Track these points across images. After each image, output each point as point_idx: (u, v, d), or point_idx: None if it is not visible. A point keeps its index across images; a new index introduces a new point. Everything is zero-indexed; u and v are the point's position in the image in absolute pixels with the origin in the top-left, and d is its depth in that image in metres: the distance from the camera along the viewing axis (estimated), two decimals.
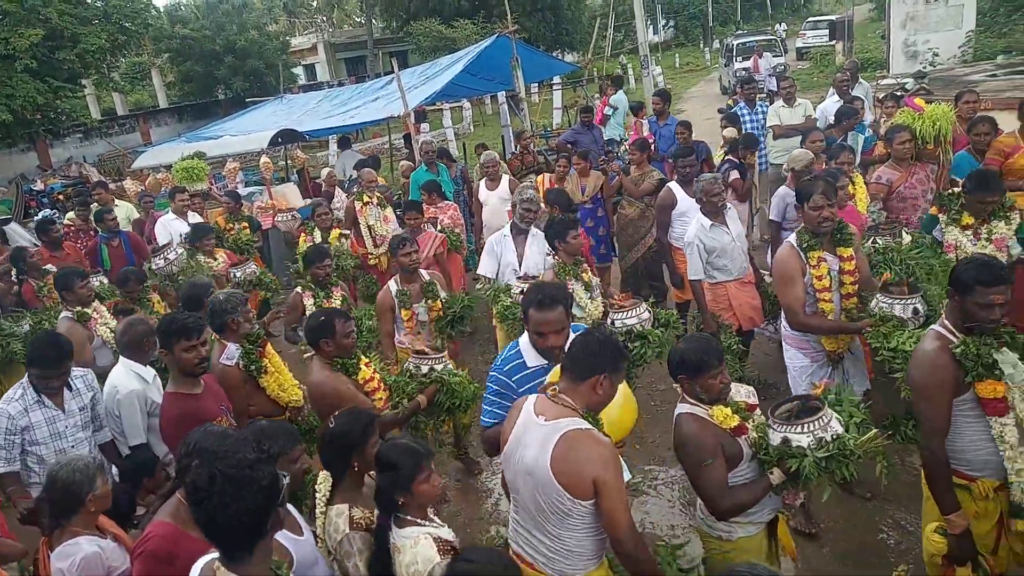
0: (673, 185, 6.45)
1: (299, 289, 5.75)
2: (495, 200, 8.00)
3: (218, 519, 1.95)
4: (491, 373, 3.39)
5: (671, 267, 6.49)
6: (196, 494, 1.98)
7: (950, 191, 4.96)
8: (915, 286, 4.07)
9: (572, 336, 3.15)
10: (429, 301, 5.32)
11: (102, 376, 4.43)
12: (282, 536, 2.60)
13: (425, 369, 4.24)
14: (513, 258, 5.76)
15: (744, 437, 3.00)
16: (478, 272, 5.92)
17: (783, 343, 4.61)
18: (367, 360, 4.19)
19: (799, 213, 4.30)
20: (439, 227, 7.28)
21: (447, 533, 2.73)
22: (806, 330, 4.27)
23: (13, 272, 6.82)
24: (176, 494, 2.79)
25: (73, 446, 3.97)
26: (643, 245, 7.37)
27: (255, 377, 4.11)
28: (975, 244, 4.64)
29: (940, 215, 4.86)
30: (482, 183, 8.30)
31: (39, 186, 19.68)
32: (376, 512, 2.78)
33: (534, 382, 3.22)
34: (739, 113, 9.13)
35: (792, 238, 4.25)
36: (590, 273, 4.88)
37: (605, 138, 11.18)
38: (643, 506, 4.96)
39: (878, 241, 4.84)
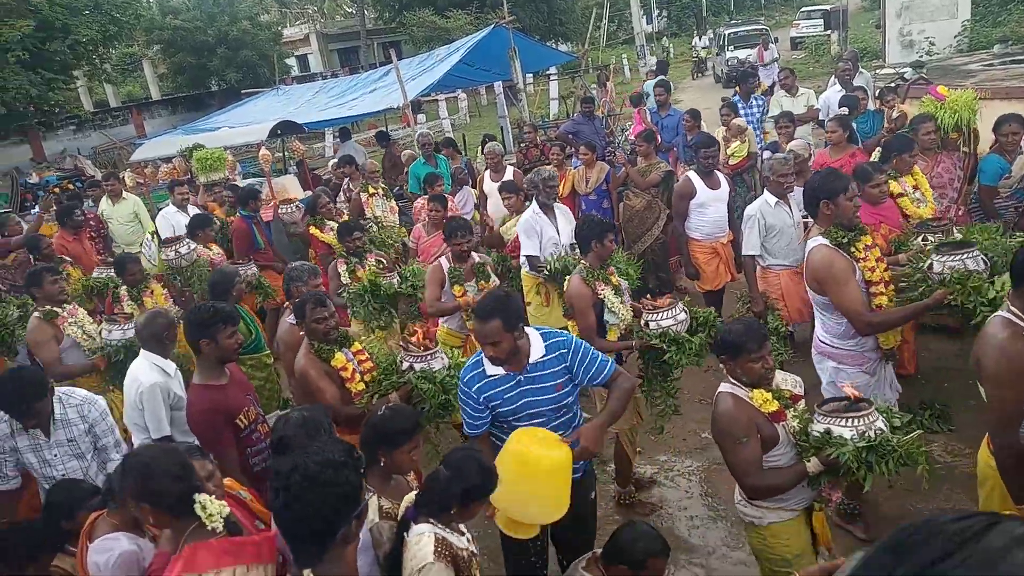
0: (692, 175, 6.40)
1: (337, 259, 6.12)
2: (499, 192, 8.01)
3: (287, 512, 1.95)
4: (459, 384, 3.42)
5: (686, 258, 6.47)
6: (275, 480, 1.98)
7: None
8: (965, 242, 3.97)
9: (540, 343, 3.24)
10: (481, 281, 5.46)
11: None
12: None
13: (405, 366, 4.14)
14: (553, 232, 5.97)
15: (782, 424, 3.05)
16: (524, 253, 5.96)
17: (832, 364, 4.15)
18: (360, 347, 4.21)
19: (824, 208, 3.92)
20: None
21: (462, 541, 2.71)
22: (878, 330, 3.90)
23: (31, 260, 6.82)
24: None
25: (64, 474, 3.82)
26: (649, 236, 7.39)
27: None
28: None
29: None
30: (486, 174, 8.33)
31: (34, 179, 19.55)
32: (404, 505, 2.77)
33: (495, 390, 3.28)
34: (737, 104, 9.15)
35: (822, 240, 3.90)
36: (618, 277, 4.69)
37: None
38: (661, 497, 5.01)
39: (928, 239, 4.57)
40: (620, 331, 4.50)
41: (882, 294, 3.93)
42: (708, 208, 6.27)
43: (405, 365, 4.12)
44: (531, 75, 21.84)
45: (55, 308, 5.18)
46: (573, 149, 9.48)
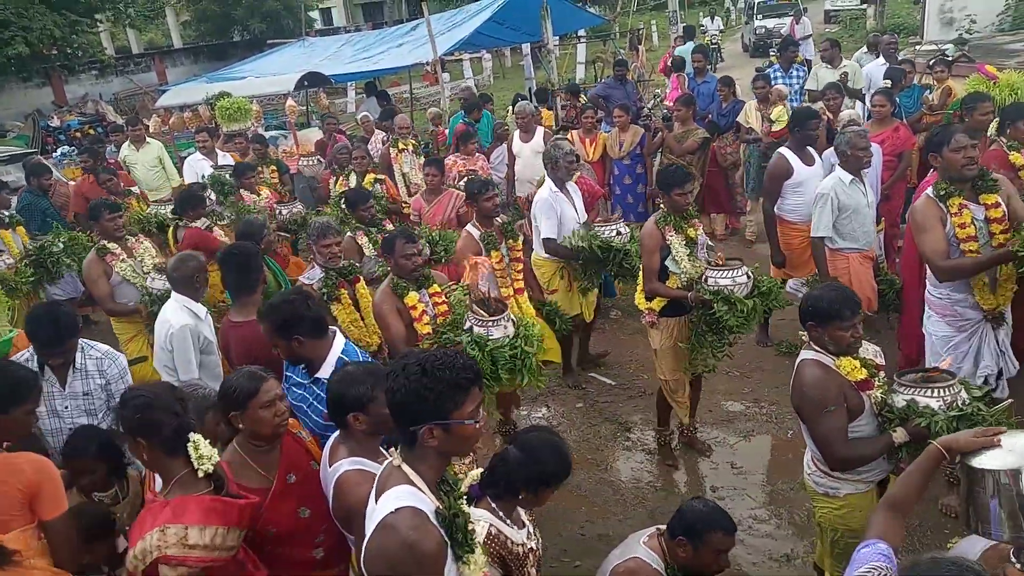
0: (786, 152, 5.77)
1: (349, 233, 5.73)
2: (528, 152, 7.85)
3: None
4: None
5: (774, 244, 5.85)
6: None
7: None
8: None
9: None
10: (510, 241, 5.19)
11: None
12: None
13: (467, 326, 4.05)
14: (572, 211, 5.67)
15: (867, 393, 3.00)
16: (543, 236, 5.58)
17: (926, 309, 4.26)
18: (439, 289, 4.23)
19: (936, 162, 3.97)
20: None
21: (520, 535, 2.59)
22: (954, 275, 3.92)
23: None
24: (233, 443, 2.77)
25: (71, 429, 3.50)
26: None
27: (327, 303, 4.22)
28: None
29: None
30: (516, 135, 8.16)
31: (55, 122, 19.49)
32: (467, 481, 2.66)
33: (291, 372, 3.32)
34: (772, 75, 8.86)
35: (928, 190, 3.98)
36: (699, 230, 4.63)
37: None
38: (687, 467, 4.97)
39: None
40: (681, 283, 4.51)
41: (971, 252, 3.89)
42: (805, 187, 5.64)
43: (467, 324, 4.04)
44: (557, 37, 21.44)
45: (108, 244, 5.23)
46: (604, 113, 9.33)
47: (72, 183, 8.52)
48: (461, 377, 1.96)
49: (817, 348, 3.03)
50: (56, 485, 2.59)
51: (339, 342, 3.30)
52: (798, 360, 3.11)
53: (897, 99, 7.17)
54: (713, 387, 5.73)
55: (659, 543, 2.82)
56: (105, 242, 5.26)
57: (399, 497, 1.95)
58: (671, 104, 8.61)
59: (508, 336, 3.98)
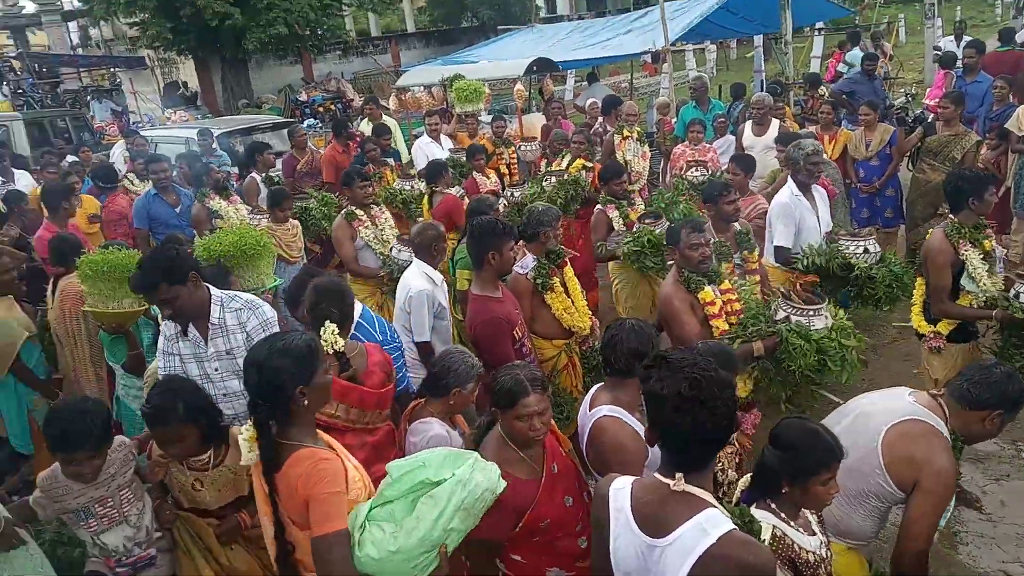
0: None
1: (600, 205, 5.87)
2: (760, 147, 7.44)
3: (674, 428, 1.85)
4: None
5: None
6: (652, 398, 1.90)
7: None
8: None
9: None
10: (745, 252, 4.86)
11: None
12: None
13: (780, 316, 3.71)
14: (814, 220, 5.12)
15: None
16: (776, 243, 5.13)
17: None
18: (730, 286, 4.00)
19: None
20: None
21: (811, 542, 2.34)
22: None
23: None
24: (496, 429, 2.78)
25: (225, 394, 3.29)
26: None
27: (541, 292, 4.17)
28: None
29: None
30: (747, 127, 7.77)
31: (303, 97, 21.40)
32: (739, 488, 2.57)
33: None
34: None
35: None
36: (994, 241, 4.18)
37: None
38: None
39: None
40: (978, 301, 4.02)
41: None
42: None
43: (780, 315, 3.75)
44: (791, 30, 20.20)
45: (356, 210, 5.62)
46: (845, 109, 8.67)
47: (320, 152, 9.23)
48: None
49: None
50: (321, 503, 2.24)
51: (357, 307, 3.61)
52: None
53: None
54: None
55: (940, 405, 2.59)
56: (353, 208, 5.63)
57: (716, 524, 1.84)
58: (931, 103, 7.80)
59: (828, 327, 3.68)
